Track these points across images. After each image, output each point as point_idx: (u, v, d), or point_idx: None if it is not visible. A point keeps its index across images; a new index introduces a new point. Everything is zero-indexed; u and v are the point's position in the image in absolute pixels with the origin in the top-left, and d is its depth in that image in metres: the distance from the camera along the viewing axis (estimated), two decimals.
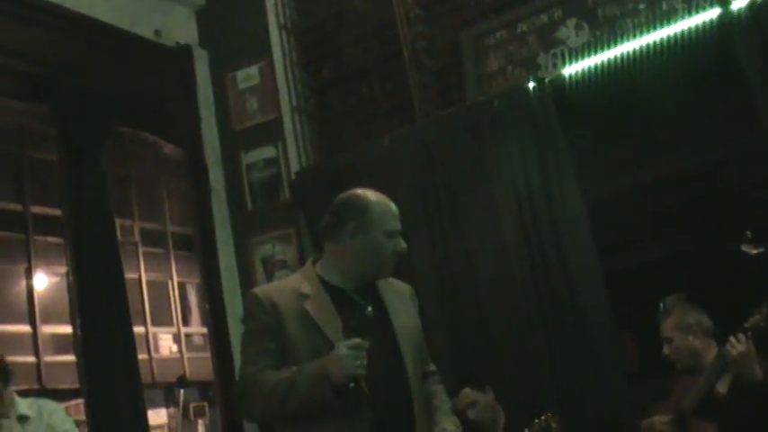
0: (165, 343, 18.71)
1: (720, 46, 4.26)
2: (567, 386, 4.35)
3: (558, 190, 4.50)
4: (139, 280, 17.82)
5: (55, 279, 16.10)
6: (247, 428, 5.13)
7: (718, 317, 3.91)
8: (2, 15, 4.51)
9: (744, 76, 4.14)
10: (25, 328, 15.81)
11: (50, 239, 15.72)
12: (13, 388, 3.87)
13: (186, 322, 19.43)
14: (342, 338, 2.66)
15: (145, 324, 17.61)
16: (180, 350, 18.86)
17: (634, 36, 4.50)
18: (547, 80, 4.64)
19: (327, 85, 5.59)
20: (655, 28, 4.44)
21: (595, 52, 4.60)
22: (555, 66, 4.75)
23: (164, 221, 19.16)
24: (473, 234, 4.70)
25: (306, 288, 2.81)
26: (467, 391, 4.08)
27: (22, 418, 3.78)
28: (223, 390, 5.27)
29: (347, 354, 2.58)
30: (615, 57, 4.54)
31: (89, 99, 4.80)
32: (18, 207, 16.08)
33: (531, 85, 4.63)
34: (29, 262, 16.08)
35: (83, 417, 4.86)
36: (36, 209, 15.98)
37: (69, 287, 5.15)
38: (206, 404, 17.12)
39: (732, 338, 3.53)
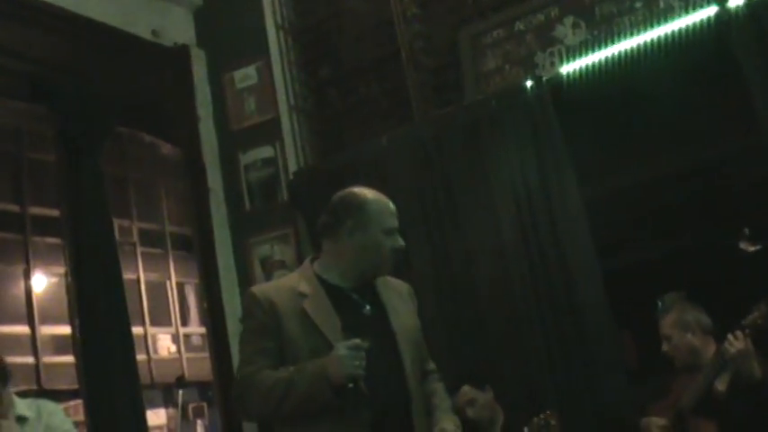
0: (164, 343, 18.69)
1: (718, 44, 4.26)
2: (566, 385, 4.35)
3: (557, 188, 4.50)
4: (138, 280, 17.80)
5: (53, 280, 16.08)
6: (246, 429, 5.12)
7: (716, 315, 3.91)
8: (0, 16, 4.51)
9: (741, 73, 4.15)
10: (24, 329, 15.79)
11: (49, 240, 15.70)
12: (11, 389, 3.85)
13: (185, 322, 19.42)
14: (340, 338, 2.66)
15: (143, 324, 17.59)
16: (179, 350, 18.85)
17: (631, 34, 4.50)
18: (544, 79, 4.64)
19: (325, 85, 5.59)
20: (652, 26, 4.45)
21: (593, 51, 4.61)
22: (552, 64, 4.76)
23: (162, 222, 19.15)
24: (471, 233, 4.71)
25: (304, 287, 2.81)
26: (465, 389, 4.09)
27: (21, 419, 3.76)
28: (222, 390, 5.27)
29: (346, 354, 2.58)
30: (613, 55, 4.55)
31: (87, 99, 4.79)
32: (16, 208, 16.06)
33: (529, 83, 4.63)
34: (27, 263, 16.05)
35: (82, 417, 4.86)
36: (34, 209, 15.96)
37: (68, 288, 5.15)
38: (205, 404, 17.10)
39: (730, 336, 3.53)
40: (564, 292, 4.42)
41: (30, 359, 15.49)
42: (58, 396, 11.51)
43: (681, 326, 3.88)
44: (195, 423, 17.25)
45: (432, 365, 3.03)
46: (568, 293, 4.41)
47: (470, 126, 4.78)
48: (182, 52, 5.63)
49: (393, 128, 5.13)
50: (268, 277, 5.20)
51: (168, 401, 17.75)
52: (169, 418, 17.82)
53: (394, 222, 2.87)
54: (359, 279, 2.85)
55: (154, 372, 17.26)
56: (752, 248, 3.84)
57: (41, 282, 16.21)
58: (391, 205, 2.89)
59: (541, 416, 3.69)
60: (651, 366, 4.42)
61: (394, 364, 2.77)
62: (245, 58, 5.62)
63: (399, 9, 5.23)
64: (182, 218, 17.35)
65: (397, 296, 2.95)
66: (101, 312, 4.61)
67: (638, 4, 4.57)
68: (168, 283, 19.16)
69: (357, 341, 2.60)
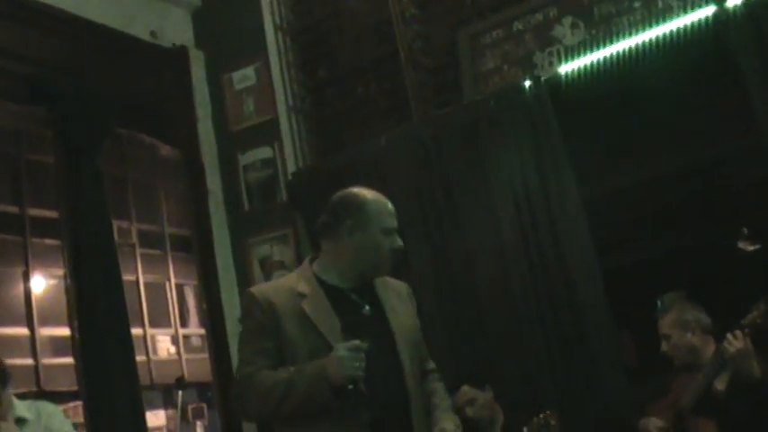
0: (164, 344, 18.72)
1: (716, 43, 4.26)
2: (565, 385, 4.35)
3: (556, 188, 4.50)
4: (137, 282, 17.82)
5: (52, 281, 16.10)
6: (246, 430, 5.12)
7: (716, 314, 3.92)
8: None
9: (739, 73, 4.15)
10: (23, 331, 15.81)
11: (48, 242, 15.72)
12: (11, 391, 3.85)
13: (184, 323, 19.44)
14: (339, 338, 2.66)
15: (143, 326, 17.62)
16: (178, 351, 18.87)
17: (630, 34, 4.50)
18: (543, 79, 4.64)
19: (324, 85, 5.59)
20: (650, 26, 4.45)
21: (591, 50, 4.61)
22: (551, 64, 4.75)
23: (161, 223, 19.17)
24: (471, 233, 4.70)
25: (303, 287, 2.81)
26: (465, 388, 4.09)
27: (21, 421, 3.76)
28: (222, 391, 5.27)
29: (346, 355, 2.58)
30: (611, 55, 4.55)
31: (86, 101, 4.79)
32: (15, 209, 16.08)
33: (528, 83, 4.63)
34: (26, 264, 16.08)
35: (81, 419, 4.85)
36: (33, 211, 15.99)
37: (67, 289, 5.14)
38: (204, 405, 17.13)
39: (730, 335, 3.53)
40: (563, 292, 4.42)
41: (29, 361, 15.51)
42: (57, 398, 11.53)
43: (680, 325, 3.88)
44: (195, 424, 17.27)
45: (431, 365, 3.03)
46: (568, 293, 4.41)
47: (469, 126, 4.77)
48: (180, 53, 5.63)
49: (392, 128, 5.13)
50: (267, 278, 5.19)
51: (168, 402, 17.76)
52: (168, 419, 17.84)
53: (393, 222, 2.87)
54: (358, 279, 2.85)
55: (153, 373, 17.28)
56: (750, 248, 3.84)
57: (41, 283, 16.23)
58: (390, 205, 2.89)
59: (541, 416, 3.69)
60: (651, 366, 4.42)
61: (393, 364, 2.76)
62: (243, 59, 5.62)
63: (398, 9, 5.23)
64: (181, 219, 17.36)
65: (396, 296, 2.95)
66: (100, 314, 4.61)
67: (636, 4, 4.57)
68: (167, 284, 19.18)
69: (357, 342, 2.60)
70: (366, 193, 2.90)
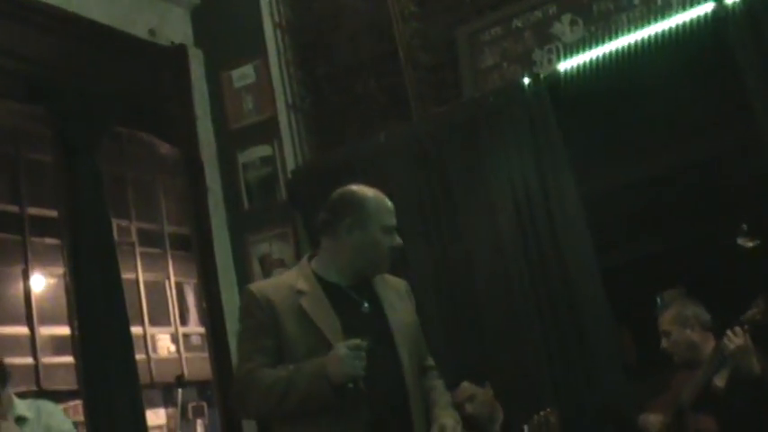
0: (163, 343, 18.71)
1: (715, 40, 4.27)
2: (565, 382, 4.35)
3: (555, 185, 4.50)
4: (137, 280, 17.81)
5: (52, 280, 16.10)
6: (246, 428, 5.12)
7: (715, 311, 3.92)
8: None
9: (738, 69, 4.15)
10: (23, 330, 15.80)
11: (47, 241, 15.71)
12: (11, 390, 3.86)
13: (184, 322, 19.43)
14: (338, 336, 2.66)
15: (142, 324, 17.61)
16: (178, 350, 18.86)
17: (629, 31, 4.50)
18: (542, 76, 4.64)
19: (323, 83, 5.58)
20: (649, 23, 4.45)
21: (590, 48, 4.61)
22: (550, 61, 4.75)
23: (160, 221, 19.16)
24: (470, 230, 4.71)
25: (302, 285, 2.81)
26: (465, 385, 4.09)
27: (21, 420, 3.77)
28: (222, 389, 5.26)
29: (347, 354, 2.58)
30: (610, 52, 4.55)
31: (85, 99, 4.79)
32: (15, 209, 16.07)
33: (527, 80, 4.63)
34: (26, 263, 16.07)
35: (81, 418, 4.85)
36: (33, 210, 15.98)
37: (66, 288, 5.15)
38: (204, 404, 17.11)
39: (729, 332, 3.54)
40: (563, 289, 4.42)
41: (29, 360, 15.50)
42: (57, 396, 11.50)
43: (680, 322, 3.88)
44: (195, 422, 17.26)
45: (430, 362, 3.03)
46: (567, 290, 4.41)
47: (468, 124, 4.77)
48: (179, 51, 5.63)
49: (391, 126, 5.12)
50: (267, 276, 5.18)
51: (168, 401, 17.76)
52: (169, 417, 17.84)
53: (392, 221, 2.87)
54: (356, 276, 2.85)
55: (153, 371, 17.27)
56: (750, 244, 3.85)
57: (40, 282, 16.22)
58: (389, 203, 2.89)
59: (542, 413, 3.70)
60: (650, 363, 4.42)
61: (392, 361, 2.76)
62: (242, 57, 5.61)
63: (397, 7, 5.23)
64: (180, 217, 17.35)
65: (395, 293, 2.94)
66: (100, 312, 4.60)
67: (635, 1, 4.57)
68: (167, 282, 19.17)
69: (357, 341, 2.60)
70: (366, 190, 2.89)
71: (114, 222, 6.27)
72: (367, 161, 4.98)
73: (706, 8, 4.27)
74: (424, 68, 5.18)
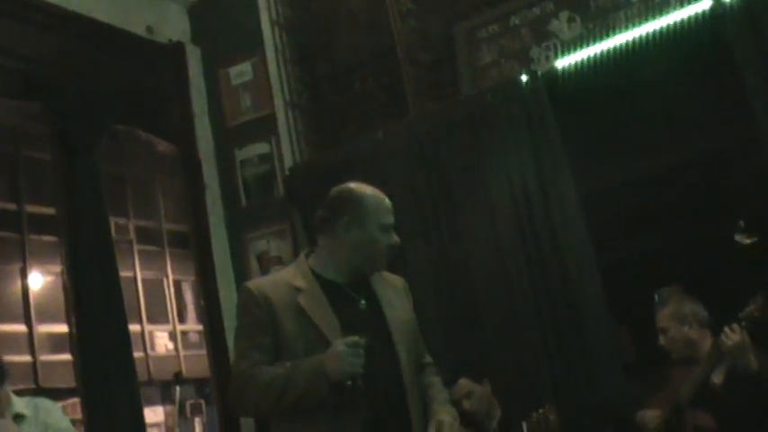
0: (161, 341, 18.70)
1: (713, 37, 4.27)
2: (564, 381, 4.36)
3: (553, 182, 4.50)
4: (135, 278, 17.80)
5: (50, 278, 16.08)
6: (244, 425, 5.12)
7: (713, 308, 3.92)
8: None
9: (736, 66, 4.15)
10: (21, 328, 15.78)
11: (45, 238, 15.69)
12: (9, 387, 3.85)
13: (182, 319, 19.42)
14: (336, 333, 2.66)
15: (141, 322, 17.60)
16: (176, 347, 18.85)
17: (627, 28, 4.50)
18: (540, 73, 4.64)
19: (321, 80, 5.58)
20: (647, 20, 4.45)
21: (588, 45, 4.61)
22: (548, 58, 4.75)
23: (158, 219, 19.14)
24: (468, 227, 4.71)
25: (299, 282, 2.80)
26: (463, 381, 4.09)
27: (19, 417, 3.77)
28: (220, 387, 5.27)
29: (345, 351, 2.57)
30: (608, 49, 4.56)
31: (83, 97, 4.79)
32: (13, 206, 16.05)
33: (525, 77, 4.63)
34: (24, 261, 16.05)
35: (79, 415, 4.85)
36: (31, 208, 15.96)
37: (64, 286, 5.14)
38: (203, 401, 17.11)
39: (727, 329, 3.54)
40: (561, 286, 4.42)
41: (27, 357, 15.48)
42: (55, 394, 11.51)
43: (678, 318, 3.88)
44: (193, 420, 17.25)
45: (428, 359, 3.03)
46: (565, 287, 4.41)
47: (466, 120, 4.77)
48: (177, 49, 5.63)
49: (389, 123, 5.12)
50: (264, 273, 5.19)
51: (166, 398, 17.74)
52: (167, 415, 17.82)
53: (390, 219, 2.87)
54: (353, 274, 2.85)
55: (151, 369, 17.26)
56: (747, 241, 3.84)
57: (38, 280, 16.21)
58: (387, 201, 2.89)
59: (540, 410, 3.70)
60: (649, 361, 4.43)
61: (390, 358, 2.76)
62: (240, 55, 5.62)
63: (395, 5, 5.22)
64: (178, 215, 17.36)
65: (392, 290, 2.95)
66: (98, 310, 4.61)
67: None
68: (165, 280, 19.16)
69: (356, 338, 2.60)
70: (364, 188, 2.89)
71: (112, 220, 6.28)
72: (365, 158, 4.98)
73: (704, 5, 4.27)
74: (421, 66, 5.18)
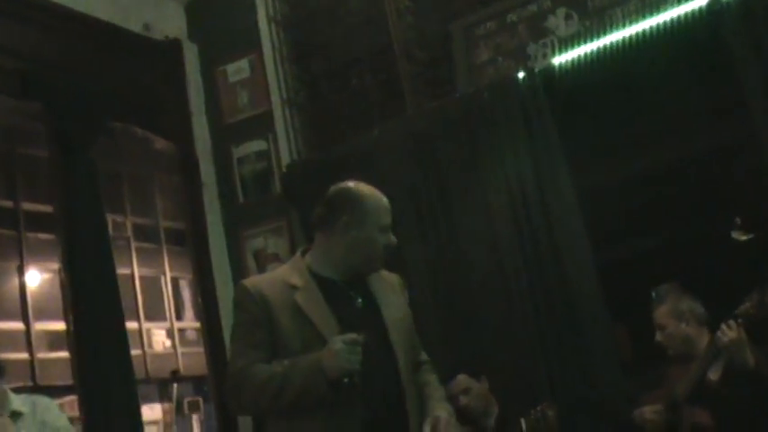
0: (159, 338, 18.69)
1: (710, 34, 4.26)
2: (561, 377, 4.36)
3: (550, 180, 4.50)
4: (132, 275, 17.80)
5: (47, 276, 16.06)
6: (241, 423, 5.12)
7: (710, 305, 3.92)
8: None
9: (733, 64, 4.15)
10: (18, 325, 15.77)
11: (42, 236, 15.68)
12: (6, 385, 3.85)
13: (179, 317, 19.41)
14: (333, 331, 2.66)
15: (138, 319, 17.59)
16: (173, 345, 18.84)
17: (624, 25, 4.50)
18: (537, 70, 4.64)
19: (318, 78, 5.57)
20: (644, 17, 4.44)
21: (585, 42, 4.61)
22: (545, 56, 4.75)
23: (156, 217, 19.13)
24: (465, 225, 4.70)
25: (295, 279, 2.80)
26: (461, 377, 4.10)
27: (16, 415, 3.76)
28: (217, 384, 5.26)
29: (343, 348, 2.57)
30: (605, 46, 4.55)
31: (79, 95, 4.78)
32: (9, 204, 16.04)
33: (521, 75, 4.63)
34: (21, 259, 16.04)
35: (77, 413, 4.85)
36: (28, 205, 15.94)
37: (62, 283, 5.13)
38: (200, 399, 17.13)
39: (724, 326, 3.54)
40: (558, 284, 4.43)
41: (24, 355, 15.48)
42: (52, 392, 11.51)
43: (675, 315, 3.89)
44: (191, 417, 17.28)
45: (424, 356, 3.03)
46: (562, 285, 4.41)
47: (463, 118, 4.77)
48: (173, 46, 5.62)
49: (386, 120, 5.12)
50: (262, 270, 5.19)
51: (163, 396, 17.77)
52: (164, 412, 17.84)
53: (388, 220, 2.87)
54: (350, 272, 2.85)
55: (149, 366, 17.26)
56: (744, 238, 3.84)
57: (35, 278, 16.20)
58: (386, 202, 2.89)
59: (538, 408, 3.71)
60: (646, 359, 4.43)
61: (387, 355, 2.76)
62: (237, 52, 5.61)
63: (392, 2, 5.22)
64: (175, 212, 17.36)
65: (389, 288, 2.95)
66: (95, 308, 4.60)
67: None
68: (162, 277, 19.16)
69: (353, 336, 2.59)
70: (363, 188, 2.88)
71: (109, 218, 6.27)
72: (362, 155, 4.98)
73: (701, 2, 4.26)
74: (418, 63, 5.17)
